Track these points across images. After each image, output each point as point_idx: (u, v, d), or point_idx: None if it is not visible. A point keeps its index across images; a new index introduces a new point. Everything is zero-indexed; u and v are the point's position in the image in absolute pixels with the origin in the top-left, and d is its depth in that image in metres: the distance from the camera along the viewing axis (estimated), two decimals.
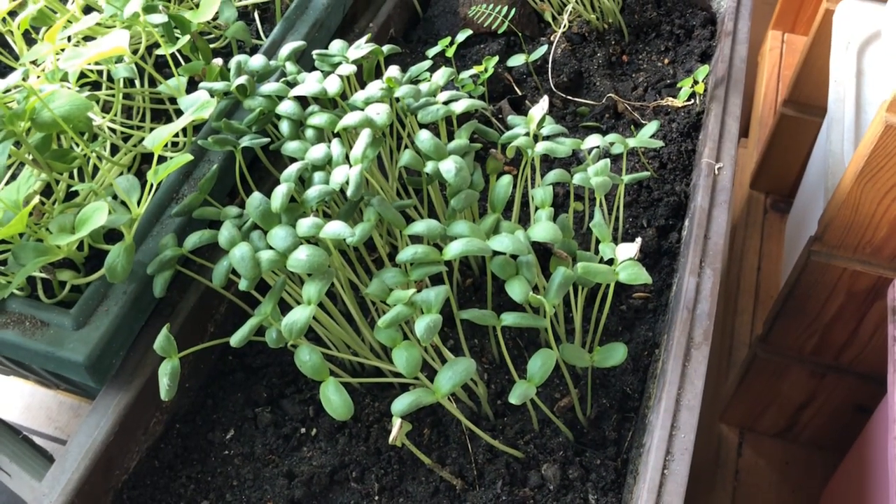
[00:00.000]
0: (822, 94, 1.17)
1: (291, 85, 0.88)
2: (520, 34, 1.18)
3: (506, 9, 1.14)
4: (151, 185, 0.72)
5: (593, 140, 0.87)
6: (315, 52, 0.91)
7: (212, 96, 0.81)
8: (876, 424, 0.95)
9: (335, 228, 0.69)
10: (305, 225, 0.71)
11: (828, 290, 1.01)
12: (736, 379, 1.26)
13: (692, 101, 1.05)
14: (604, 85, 1.11)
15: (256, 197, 0.73)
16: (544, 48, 1.09)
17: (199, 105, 0.76)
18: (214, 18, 1.00)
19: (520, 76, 1.14)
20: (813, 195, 1.23)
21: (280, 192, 0.73)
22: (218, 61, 0.91)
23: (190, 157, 0.72)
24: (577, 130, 1.06)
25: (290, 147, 0.81)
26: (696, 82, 1.04)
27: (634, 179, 0.89)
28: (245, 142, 0.83)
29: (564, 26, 1.16)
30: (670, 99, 1.06)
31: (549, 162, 1.02)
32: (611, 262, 0.73)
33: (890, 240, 0.93)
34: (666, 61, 1.15)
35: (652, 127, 0.93)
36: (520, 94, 1.11)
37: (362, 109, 0.80)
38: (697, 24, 1.18)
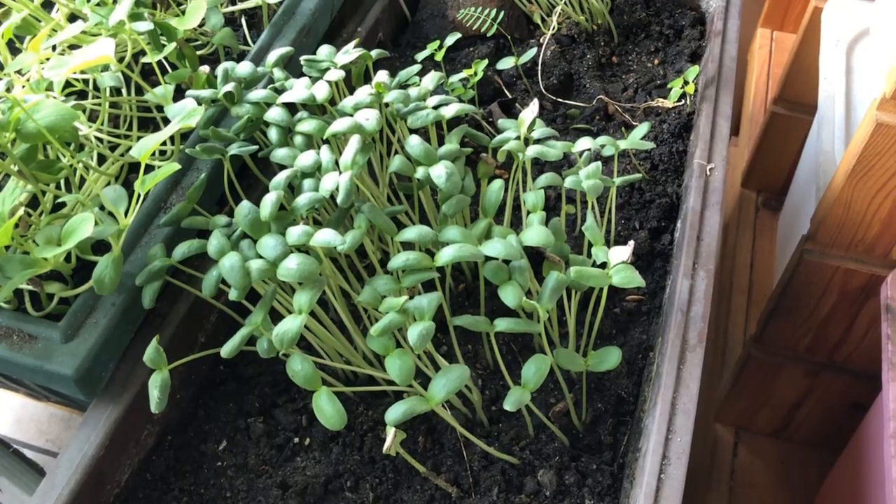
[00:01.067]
0: (812, 92, 1.17)
1: (279, 91, 0.87)
2: (509, 37, 1.18)
3: (494, 11, 1.13)
4: (139, 195, 0.72)
5: (584, 142, 0.86)
6: (303, 58, 0.90)
7: (199, 104, 0.80)
8: (871, 422, 0.95)
9: (326, 236, 0.69)
10: (295, 233, 0.70)
11: (821, 289, 1.01)
12: (730, 378, 1.26)
13: (683, 101, 1.05)
14: (594, 87, 1.11)
15: (245, 205, 0.73)
16: (534, 50, 1.09)
17: (186, 113, 0.76)
18: (201, 25, 1.00)
19: (509, 79, 1.13)
20: (804, 193, 1.23)
21: (269, 201, 0.72)
22: (205, 68, 0.90)
23: (177, 165, 0.71)
24: (567, 133, 1.06)
25: (279, 154, 0.81)
26: (686, 83, 1.04)
27: (626, 181, 0.89)
28: (233, 149, 0.82)
29: (553, 28, 1.16)
30: (661, 100, 1.06)
31: (540, 165, 1.02)
32: (604, 265, 0.72)
33: (882, 238, 0.93)
34: (656, 62, 1.15)
35: (643, 128, 0.93)
36: (510, 97, 1.10)
37: (351, 115, 0.80)
38: (687, 24, 1.18)
